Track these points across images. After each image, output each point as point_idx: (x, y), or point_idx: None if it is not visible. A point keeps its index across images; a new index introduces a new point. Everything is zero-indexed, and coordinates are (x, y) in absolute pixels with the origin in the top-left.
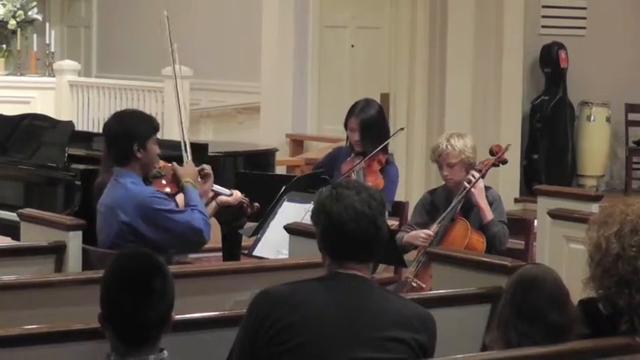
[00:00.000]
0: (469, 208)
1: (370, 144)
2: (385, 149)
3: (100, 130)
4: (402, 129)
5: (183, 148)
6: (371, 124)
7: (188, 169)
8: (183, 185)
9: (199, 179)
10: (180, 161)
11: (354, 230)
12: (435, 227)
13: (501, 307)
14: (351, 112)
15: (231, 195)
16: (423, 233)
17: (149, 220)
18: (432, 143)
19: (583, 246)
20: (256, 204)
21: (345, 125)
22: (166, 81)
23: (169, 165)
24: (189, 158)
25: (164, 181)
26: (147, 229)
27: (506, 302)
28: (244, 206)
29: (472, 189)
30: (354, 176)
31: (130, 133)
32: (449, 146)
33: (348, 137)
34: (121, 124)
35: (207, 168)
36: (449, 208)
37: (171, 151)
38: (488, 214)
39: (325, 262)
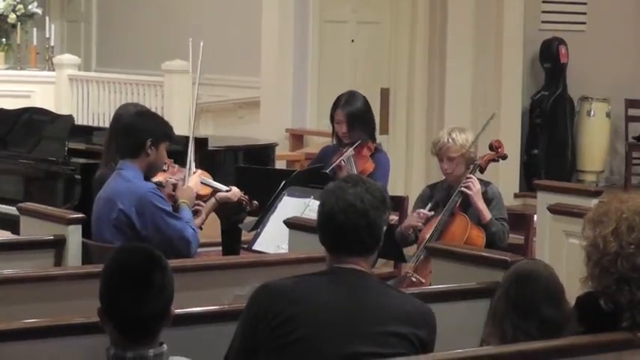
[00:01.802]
0: (469, 203)
1: (358, 134)
2: (373, 138)
3: (100, 124)
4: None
5: (187, 170)
6: (357, 116)
7: (188, 192)
8: (179, 205)
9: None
10: (179, 156)
11: (342, 222)
12: (429, 207)
13: (496, 301)
14: (336, 104)
15: (229, 191)
16: (415, 213)
17: (143, 214)
18: (431, 138)
19: (580, 242)
20: (255, 201)
21: (332, 118)
22: (166, 75)
23: (171, 167)
24: (192, 183)
25: (162, 192)
26: (139, 222)
27: (501, 296)
28: (243, 203)
29: (469, 191)
30: (343, 164)
31: (147, 127)
32: (450, 140)
33: (334, 131)
34: (140, 118)
35: (200, 207)
36: (448, 204)
37: (172, 146)
38: (487, 214)
39: (326, 256)
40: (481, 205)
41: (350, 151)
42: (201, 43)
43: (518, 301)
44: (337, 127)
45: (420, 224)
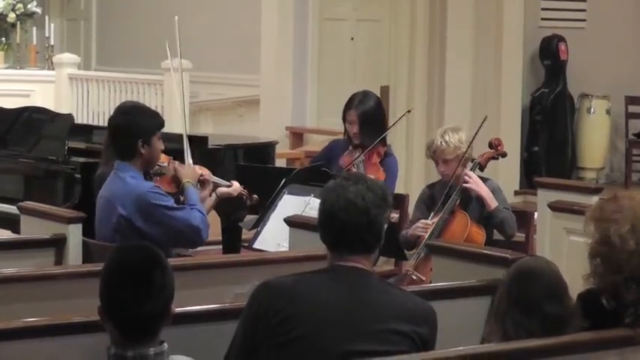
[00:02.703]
0: (468, 201)
1: (369, 136)
2: (384, 141)
3: (100, 123)
4: (409, 111)
5: (185, 151)
6: (370, 116)
7: (189, 171)
8: (184, 185)
9: (198, 185)
10: (179, 154)
11: (343, 220)
12: (432, 216)
13: (498, 298)
14: (349, 104)
15: (230, 186)
16: (420, 223)
17: (146, 214)
18: (431, 136)
19: (583, 238)
20: (255, 195)
21: (344, 118)
22: (166, 74)
23: (171, 163)
24: (191, 161)
25: (165, 180)
26: (143, 224)
27: (502, 293)
28: (244, 198)
29: (468, 185)
30: (354, 170)
31: (135, 128)
32: (443, 143)
33: (345, 130)
34: (126, 119)
35: (206, 175)
36: (448, 202)
37: (172, 144)
38: (492, 202)
39: (327, 254)
40: (484, 193)
41: (361, 157)
42: (176, 18)
43: (520, 298)
44: (349, 128)
45: (425, 235)
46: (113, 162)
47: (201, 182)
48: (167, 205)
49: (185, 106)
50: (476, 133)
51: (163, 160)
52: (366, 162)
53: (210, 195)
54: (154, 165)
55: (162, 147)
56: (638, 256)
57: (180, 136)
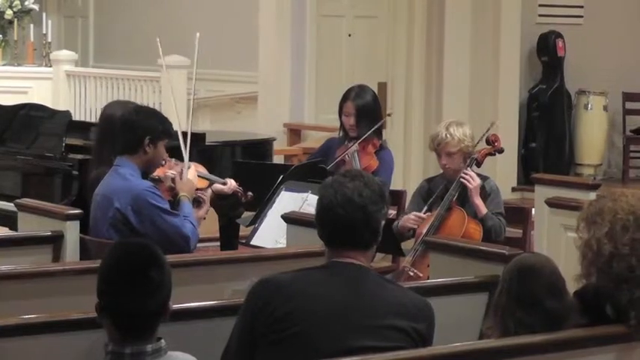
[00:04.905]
0: (466, 198)
1: (366, 128)
2: (379, 134)
3: (97, 120)
4: (389, 115)
5: (185, 164)
6: (367, 109)
7: (187, 185)
8: (179, 198)
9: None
10: (177, 152)
11: (340, 215)
12: (425, 209)
13: (498, 294)
14: (347, 96)
15: (225, 184)
16: (412, 215)
17: (140, 212)
18: (429, 132)
19: (575, 241)
20: (250, 193)
21: (340, 110)
22: (163, 71)
23: (169, 162)
24: (190, 175)
25: (161, 187)
26: (136, 221)
27: (503, 289)
28: (239, 195)
29: (469, 185)
30: (347, 158)
31: (146, 125)
32: (448, 135)
33: (341, 124)
34: (140, 115)
35: (202, 196)
36: (445, 198)
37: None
38: (483, 209)
39: (325, 251)
40: (478, 201)
41: (355, 147)
42: (197, 35)
43: (520, 294)
44: (345, 120)
45: (416, 227)
46: (107, 163)
47: (197, 201)
48: (162, 207)
49: (187, 113)
50: (481, 138)
51: (168, 162)
52: (361, 152)
53: (205, 213)
54: (153, 170)
55: (166, 156)
56: (620, 258)
57: (179, 132)
